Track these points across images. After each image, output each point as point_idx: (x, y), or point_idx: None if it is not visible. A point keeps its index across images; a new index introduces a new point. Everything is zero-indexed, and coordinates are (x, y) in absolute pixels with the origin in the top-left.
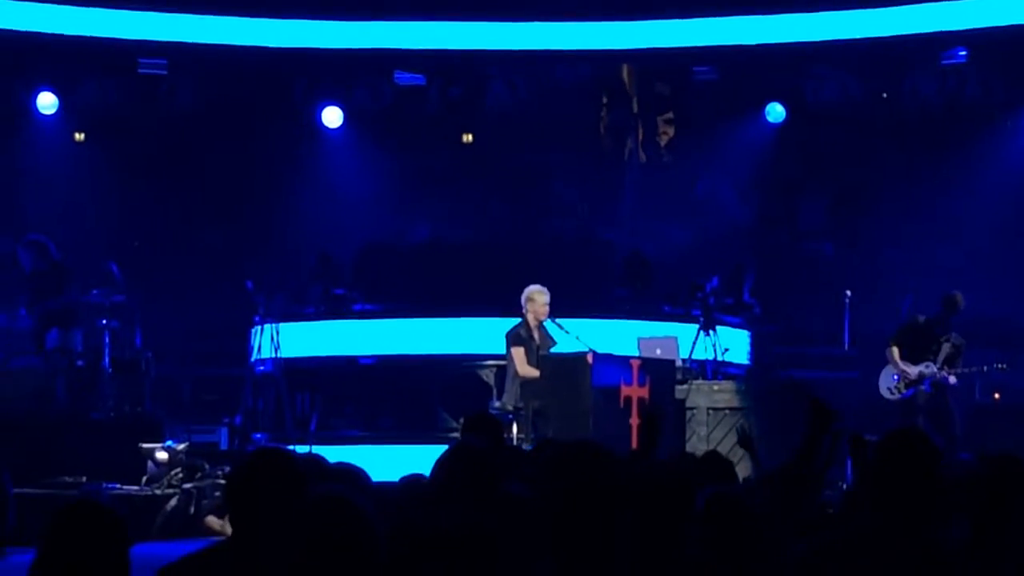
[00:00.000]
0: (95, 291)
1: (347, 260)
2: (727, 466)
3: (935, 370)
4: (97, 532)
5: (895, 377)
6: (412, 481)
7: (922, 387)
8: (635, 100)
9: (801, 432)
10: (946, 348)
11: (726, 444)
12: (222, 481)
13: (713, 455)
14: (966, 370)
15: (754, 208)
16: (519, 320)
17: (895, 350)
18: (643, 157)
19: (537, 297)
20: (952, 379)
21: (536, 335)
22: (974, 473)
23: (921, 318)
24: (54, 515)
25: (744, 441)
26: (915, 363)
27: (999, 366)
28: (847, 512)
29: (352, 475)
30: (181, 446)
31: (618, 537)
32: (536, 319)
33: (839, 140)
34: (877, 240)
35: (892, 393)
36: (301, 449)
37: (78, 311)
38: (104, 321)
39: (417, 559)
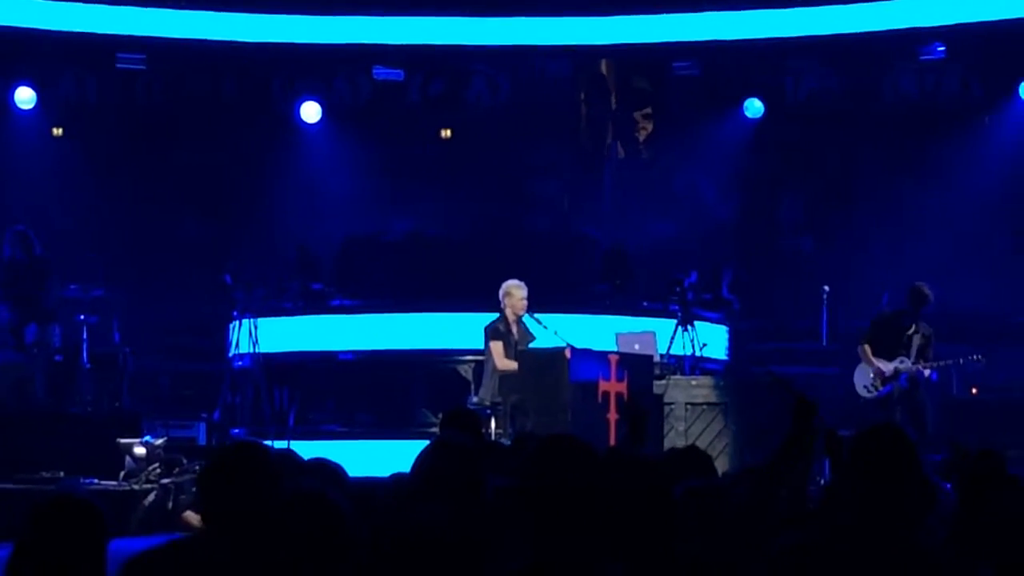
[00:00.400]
0: (73, 286)
1: (326, 255)
2: (706, 460)
3: (910, 364)
4: (75, 526)
5: (870, 374)
6: (400, 480)
7: (898, 382)
8: (614, 95)
9: (781, 427)
10: (917, 340)
11: (704, 439)
12: None
13: (692, 449)
14: (942, 363)
15: (733, 204)
16: (497, 315)
17: (867, 347)
18: (622, 152)
19: (514, 291)
20: (927, 372)
21: (515, 330)
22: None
23: (888, 312)
24: (31, 509)
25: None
26: (889, 359)
27: (975, 357)
28: (825, 508)
29: (328, 471)
30: (159, 441)
31: (599, 531)
32: (514, 313)
33: (818, 136)
34: (856, 236)
35: (869, 391)
36: (279, 444)
37: (56, 306)
38: (82, 316)
39: (401, 558)
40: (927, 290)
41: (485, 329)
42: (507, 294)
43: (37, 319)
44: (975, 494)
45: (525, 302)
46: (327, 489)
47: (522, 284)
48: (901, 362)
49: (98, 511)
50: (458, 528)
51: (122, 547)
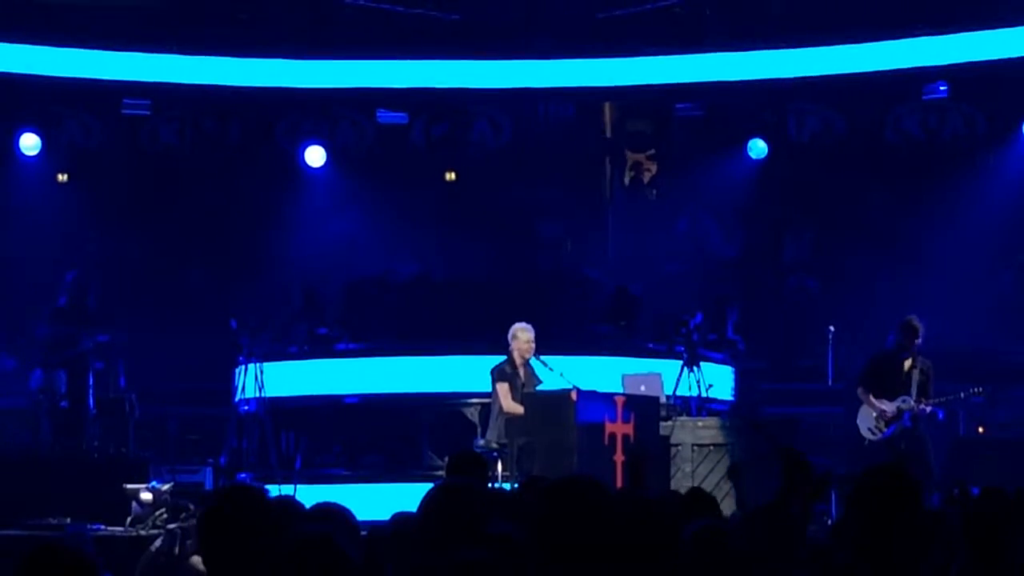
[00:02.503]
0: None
1: (331, 299)
2: (711, 502)
3: (912, 404)
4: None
5: (873, 416)
6: (401, 519)
7: (902, 422)
8: (617, 137)
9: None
10: (916, 376)
11: (711, 481)
12: None
13: (697, 492)
14: (944, 399)
15: (738, 243)
16: (504, 357)
17: (866, 390)
18: (626, 192)
19: (520, 335)
20: (929, 409)
21: (521, 372)
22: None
23: (884, 350)
24: (21, 560)
25: (733, 474)
26: (890, 398)
27: (976, 391)
28: (832, 547)
29: (335, 515)
30: (166, 486)
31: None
32: (521, 356)
33: (822, 175)
34: (861, 275)
35: (873, 434)
36: (286, 489)
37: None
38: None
39: None
40: (916, 322)
41: (492, 371)
42: (513, 337)
43: (41, 364)
44: (981, 533)
45: (532, 345)
46: (334, 533)
47: (528, 327)
48: (903, 401)
49: (91, 559)
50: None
51: None
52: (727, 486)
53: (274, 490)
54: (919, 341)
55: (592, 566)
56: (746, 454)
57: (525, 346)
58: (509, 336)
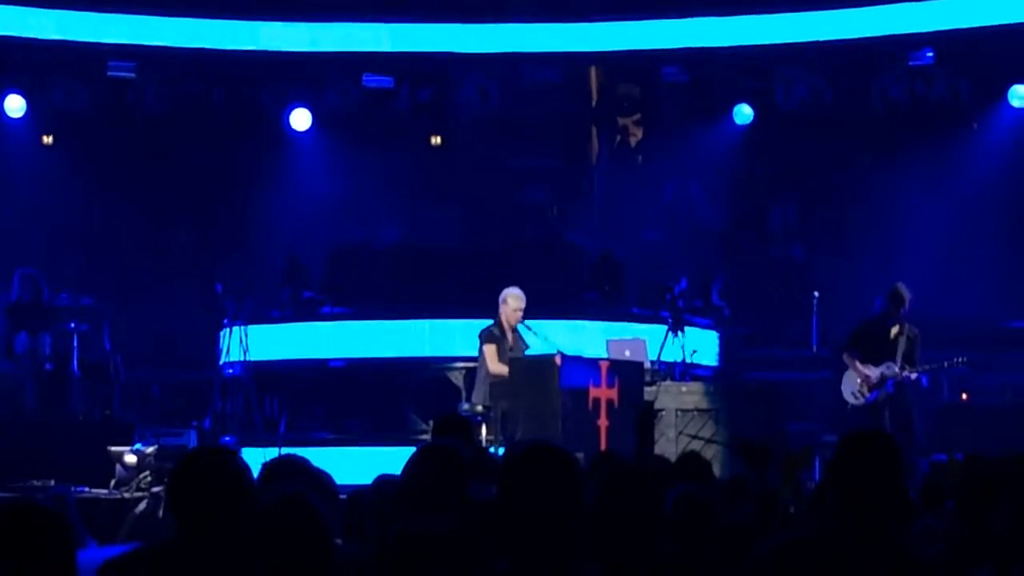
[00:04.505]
0: (63, 294)
1: (316, 263)
2: (704, 466)
3: (896, 370)
4: (34, 534)
5: (857, 381)
6: (384, 482)
7: (885, 388)
8: (603, 102)
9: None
10: (902, 343)
11: (694, 446)
12: None
13: (691, 455)
14: (929, 367)
15: (723, 210)
16: (492, 320)
17: (852, 355)
18: (612, 158)
19: (511, 301)
20: (913, 376)
21: (509, 337)
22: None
23: (871, 316)
24: None
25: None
26: (875, 364)
27: (959, 360)
28: (812, 511)
29: (307, 473)
30: (150, 449)
31: (579, 538)
32: (508, 322)
33: (808, 142)
34: (846, 241)
35: (856, 398)
36: (271, 452)
37: (50, 317)
38: (72, 325)
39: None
40: (903, 289)
41: (480, 333)
42: (504, 301)
43: (27, 328)
44: (968, 500)
45: (519, 313)
46: (309, 493)
47: (520, 295)
48: (888, 367)
49: (60, 517)
50: (445, 541)
51: (113, 554)
52: (711, 451)
53: (259, 453)
54: (906, 308)
55: (560, 532)
56: (731, 420)
57: (512, 313)
58: (500, 299)
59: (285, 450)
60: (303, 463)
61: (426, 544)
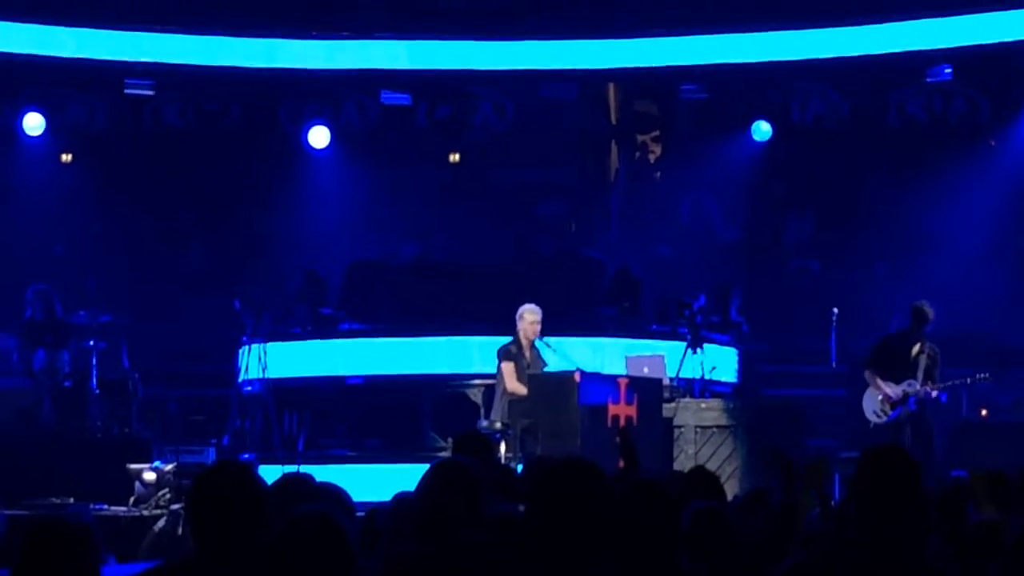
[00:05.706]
0: (82, 312)
1: (334, 279)
2: (714, 482)
3: (918, 387)
4: (66, 550)
5: (879, 399)
6: (402, 500)
7: (907, 406)
8: (622, 119)
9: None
10: (923, 361)
11: (714, 462)
12: None
13: (700, 471)
14: (950, 383)
15: (741, 226)
16: (510, 338)
17: (874, 372)
18: (630, 174)
19: (527, 315)
20: (935, 393)
21: (527, 354)
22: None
23: (892, 333)
24: (24, 534)
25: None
26: (896, 381)
27: (982, 376)
28: (833, 528)
29: (332, 495)
30: (169, 466)
31: (602, 552)
32: (526, 337)
33: (826, 158)
34: (864, 257)
35: (878, 416)
36: (289, 469)
37: (66, 332)
38: (91, 342)
39: None
40: (928, 308)
41: (498, 351)
42: (520, 317)
43: (45, 345)
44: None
45: (537, 327)
46: (332, 510)
47: (535, 309)
48: (909, 385)
49: (90, 534)
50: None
51: (131, 573)
52: (730, 467)
53: (278, 470)
54: (929, 327)
55: (589, 547)
56: (750, 437)
57: (529, 327)
58: (517, 316)
59: (304, 468)
60: (310, 480)
61: (431, 566)
